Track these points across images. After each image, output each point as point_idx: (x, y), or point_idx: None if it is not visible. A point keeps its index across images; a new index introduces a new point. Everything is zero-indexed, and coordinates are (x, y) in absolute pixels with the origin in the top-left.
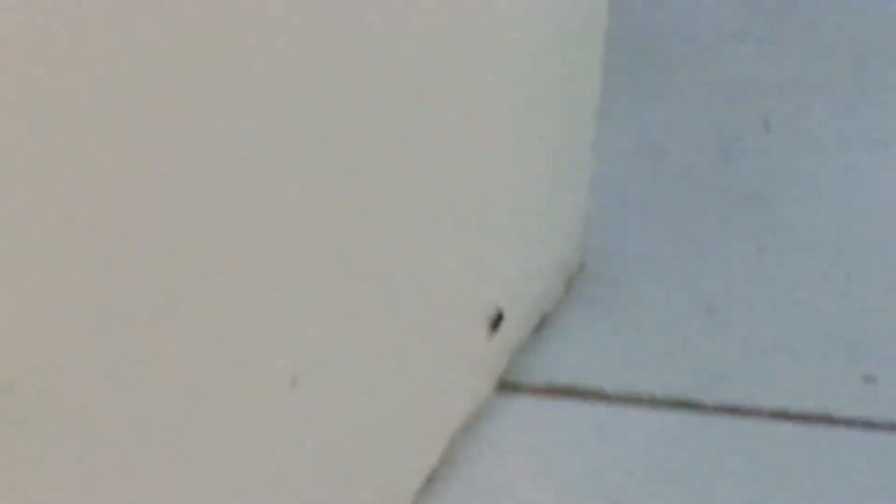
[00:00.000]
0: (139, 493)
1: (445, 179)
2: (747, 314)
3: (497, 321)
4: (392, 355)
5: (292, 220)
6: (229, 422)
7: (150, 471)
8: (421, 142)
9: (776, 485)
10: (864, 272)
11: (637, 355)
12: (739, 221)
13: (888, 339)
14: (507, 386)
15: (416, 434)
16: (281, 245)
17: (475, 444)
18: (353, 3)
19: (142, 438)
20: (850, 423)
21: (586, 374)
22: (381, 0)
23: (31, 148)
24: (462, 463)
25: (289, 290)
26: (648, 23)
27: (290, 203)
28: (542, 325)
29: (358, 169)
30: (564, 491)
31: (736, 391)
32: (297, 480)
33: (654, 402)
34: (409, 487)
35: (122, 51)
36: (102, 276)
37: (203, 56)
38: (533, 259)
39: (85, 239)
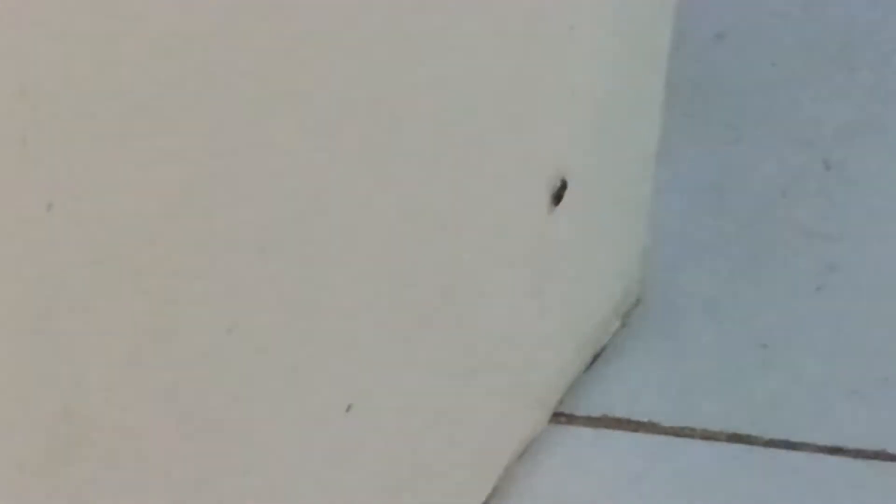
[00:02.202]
0: None
1: (505, 217)
2: (802, 351)
3: (561, 191)
4: (449, 385)
5: (359, 257)
6: (286, 446)
7: (206, 494)
8: (483, 181)
9: None
10: None
11: (691, 389)
12: (797, 260)
13: None
14: (562, 417)
15: (470, 463)
16: (343, 279)
17: (530, 475)
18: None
19: (198, 462)
20: None
21: (641, 407)
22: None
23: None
24: (515, 494)
25: (348, 323)
26: (709, 65)
27: (354, 238)
28: (598, 357)
29: (421, 211)
30: None
31: (789, 426)
32: None
33: (707, 435)
34: None
35: None
36: (159, 302)
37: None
38: (590, 293)
39: (141, 263)
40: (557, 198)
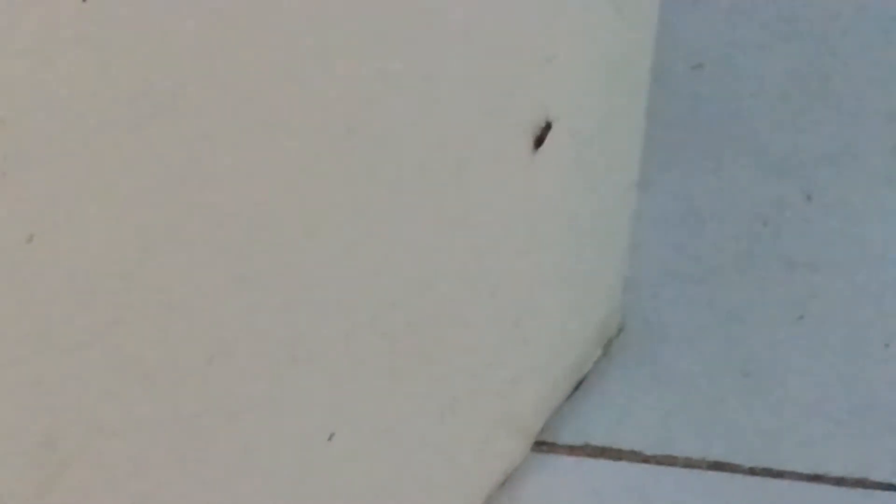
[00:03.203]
0: None
1: (486, 249)
2: (784, 379)
3: (544, 132)
4: (431, 413)
5: (339, 287)
6: (270, 474)
7: None
8: (464, 220)
9: None
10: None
11: (673, 417)
12: (778, 288)
13: None
14: (543, 446)
15: (452, 491)
16: (323, 310)
17: (512, 502)
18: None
19: (181, 491)
20: (886, 486)
21: (623, 435)
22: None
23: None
24: None
25: (329, 353)
26: (689, 96)
27: (335, 268)
28: (579, 386)
29: (402, 246)
30: None
31: (771, 454)
32: None
33: (689, 464)
34: None
35: None
36: (140, 333)
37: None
38: (571, 323)
39: (121, 297)
40: (539, 141)
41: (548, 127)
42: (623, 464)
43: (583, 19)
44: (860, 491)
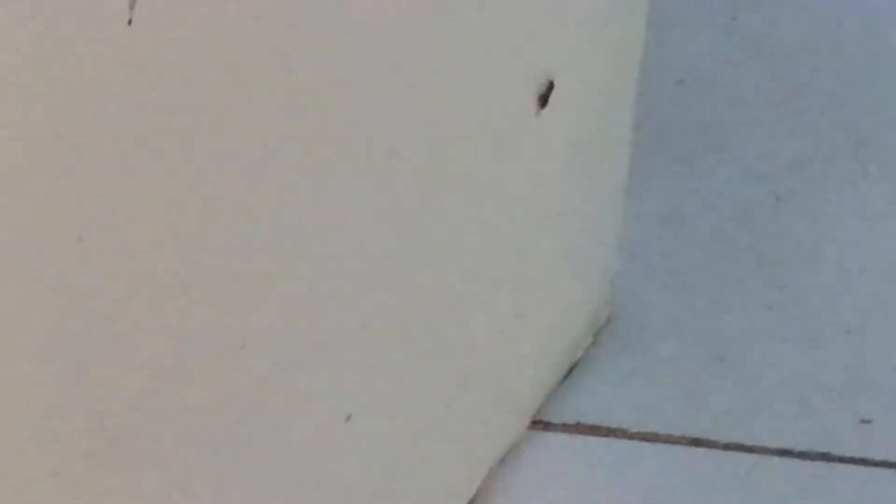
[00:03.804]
0: None
1: (491, 245)
2: (756, 363)
3: (548, 92)
4: (439, 396)
5: (356, 282)
6: (294, 451)
7: (221, 496)
8: (466, 212)
9: None
10: (861, 327)
11: (656, 398)
12: (750, 282)
13: (884, 385)
14: (539, 424)
15: (457, 466)
16: (342, 303)
17: (510, 476)
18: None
19: (213, 468)
20: (847, 460)
21: (611, 415)
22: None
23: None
24: (499, 492)
25: (348, 341)
26: (671, 108)
27: (356, 271)
28: (572, 370)
29: (408, 241)
30: None
31: (744, 431)
32: None
33: (670, 440)
34: None
35: None
36: (179, 323)
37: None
38: (565, 313)
39: (161, 290)
40: (544, 99)
41: (551, 86)
42: (611, 440)
43: (580, 42)
44: (823, 464)
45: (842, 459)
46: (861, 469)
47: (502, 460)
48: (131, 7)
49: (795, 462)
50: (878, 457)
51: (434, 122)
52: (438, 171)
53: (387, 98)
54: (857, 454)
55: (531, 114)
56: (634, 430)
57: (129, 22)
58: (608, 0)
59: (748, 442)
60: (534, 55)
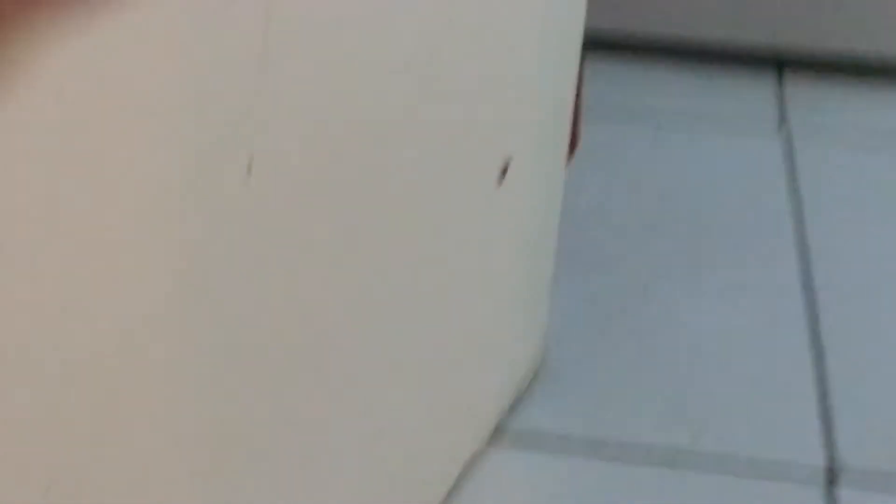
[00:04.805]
0: None
1: (434, 295)
2: (653, 392)
3: (506, 167)
4: (412, 418)
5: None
6: (289, 460)
7: None
8: (434, 266)
9: None
10: (703, 383)
11: (589, 421)
12: (644, 341)
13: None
14: (495, 441)
15: (429, 470)
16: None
17: (471, 485)
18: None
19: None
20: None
21: (550, 431)
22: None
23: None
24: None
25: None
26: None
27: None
28: (516, 401)
29: (378, 285)
30: None
31: (666, 449)
32: None
33: (605, 457)
34: None
35: None
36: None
37: None
38: (511, 356)
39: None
40: (503, 172)
41: (507, 165)
42: (553, 455)
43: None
44: (768, 467)
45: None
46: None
47: (462, 473)
48: (249, 170)
49: (735, 480)
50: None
51: (416, 185)
52: (414, 228)
53: (383, 178)
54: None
55: (494, 184)
56: (573, 448)
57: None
58: (553, 97)
59: (679, 460)
60: (498, 138)
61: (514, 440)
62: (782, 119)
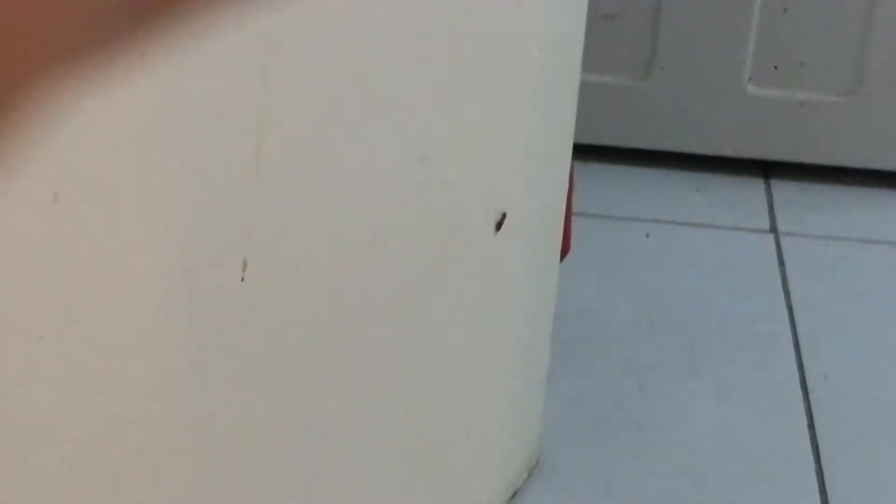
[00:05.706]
0: None
1: (427, 394)
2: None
3: (502, 220)
4: None
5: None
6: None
7: None
8: (407, 364)
9: None
10: (700, 481)
11: None
12: (640, 440)
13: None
14: None
15: None
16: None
17: None
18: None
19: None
20: None
21: None
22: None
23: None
24: None
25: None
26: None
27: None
28: (511, 500)
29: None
30: None
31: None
32: None
33: None
34: None
35: None
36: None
37: None
38: (506, 453)
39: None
40: (499, 225)
41: (503, 217)
42: None
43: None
44: None
45: None
46: None
47: None
48: (244, 269)
49: None
50: None
51: (409, 287)
52: (406, 327)
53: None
54: None
55: (490, 235)
56: None
57: (242, 279)
58: (546, 152)
59: None
60: (495, 191)
61: None
62: (772, 221)
